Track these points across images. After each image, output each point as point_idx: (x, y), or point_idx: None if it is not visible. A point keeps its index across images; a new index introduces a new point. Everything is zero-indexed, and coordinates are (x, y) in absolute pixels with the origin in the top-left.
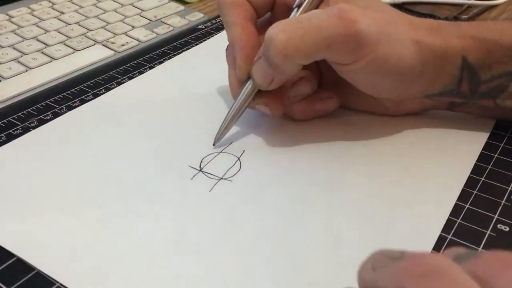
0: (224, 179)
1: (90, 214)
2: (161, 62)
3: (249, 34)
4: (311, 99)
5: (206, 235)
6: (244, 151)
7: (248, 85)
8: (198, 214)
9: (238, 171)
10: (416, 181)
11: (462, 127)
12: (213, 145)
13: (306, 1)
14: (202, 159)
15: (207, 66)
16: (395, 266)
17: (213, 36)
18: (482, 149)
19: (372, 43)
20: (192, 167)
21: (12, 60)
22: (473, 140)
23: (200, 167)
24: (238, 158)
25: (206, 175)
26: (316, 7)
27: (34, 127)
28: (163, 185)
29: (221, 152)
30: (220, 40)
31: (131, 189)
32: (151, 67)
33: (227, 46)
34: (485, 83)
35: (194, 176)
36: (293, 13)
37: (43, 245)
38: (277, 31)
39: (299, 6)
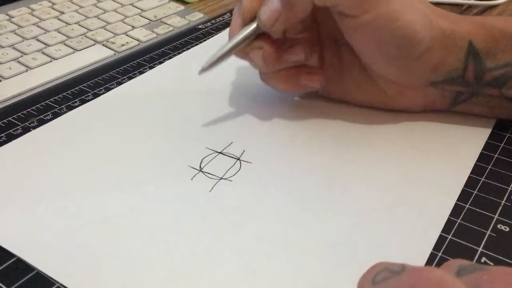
0: (224, 179)
1: (90, 214)
2: (161, 62)
3: None
4: (298, 70)
5: (206, 235)
6: (244, 151)
7: (250, 26)
8: (198, 214)
9: (238, 171)
10: (416, 181)
11: (462, 127)
12: (198, 73)
13: None
14: (202, 159)
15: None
16: (396, 279)
17: (213, 36)
18: (482, 149)
19: None
20: (192, 167)
21: (12, 60)
22: (473, 140)
23: (200, 167)
24: (238, 158)
25: (206, 175)
26: None
27: (34, 127)
28: (163, 185)
29: (221, 152)
30: (220, 40)
31: (131, 189)
32: (151, 67)
33: None
34: (490, 71)
35: (194, 176)
36: None
37: (43, 245)
38: None
39: None
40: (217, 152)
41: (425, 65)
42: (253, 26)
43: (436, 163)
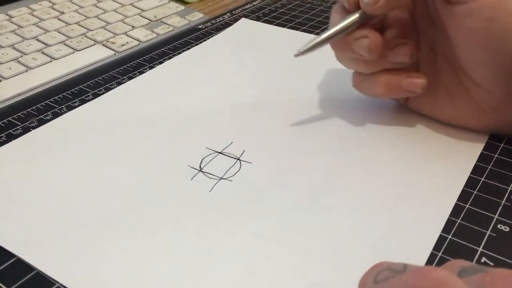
0: (224, 179)
1: (89, 214)
2: (161, 62)
3: None
4: (399, 73)
5: (206, 235)
6: (244, 151)
7: (352, 15)
8: (198, 214)
9: (238, 171)
10: (416, 181)
11: (462, 128)
12: (295, 55)
13: None
14: (202, 159)
15: (207, 65)
16: (398, 279)
17: (213, 35)
18: (482, 149)
19: None
20: (192, 167)
21: (12, 60)
22: (473, 140)
23: (200, 167)
24: (238, 158)
25: (206, 175)
26: None
27: (34, 127)
28: (163, 185)
29: (221, 152)
30: (220, 40)
31: (131, 189)
32: (151, 67)
33: None
34: None
35: (194, 176)
36: None
37: (43, 245)
38: None
39: None
40: (217, 152)
41: None
42: (356, 15)
43: (436, 164)
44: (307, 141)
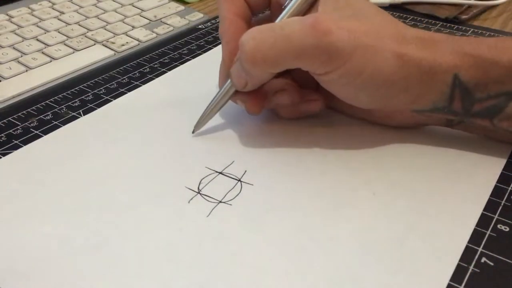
0: (223, 202)
1: (80, 239)
2: (161, 62)
3: (236, 30)
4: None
5: (201, 266)
6: (245, 171)
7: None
8: (194, 243)
9: (238, 193)
10: (428, 208)
11: (479, 149)
12: (192, 132)
13: (294, 2)
14: (201, 180)
15: (210, 77)
16: None
17: (212, 35)
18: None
19: (344, 56)
20: (190, 189)
21: (12, 60)
22: (495, 155)
23: (198, 188)
24: (239, 180)
25: (204, 198)
26: (306, 11)
27: (34, 127)
28: (159, 209)
29: (221, 172)
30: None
31: (124, 213)
32: (151, 67)
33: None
34: (479, 102)
35: (191, 199)
36: (282, 13)
37: (29, 275)
38: (248, 37)
39: (287, 6)
40: (217, 172)
41: (404, 99)
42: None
43: (452, 186)
44: (313, 163)
